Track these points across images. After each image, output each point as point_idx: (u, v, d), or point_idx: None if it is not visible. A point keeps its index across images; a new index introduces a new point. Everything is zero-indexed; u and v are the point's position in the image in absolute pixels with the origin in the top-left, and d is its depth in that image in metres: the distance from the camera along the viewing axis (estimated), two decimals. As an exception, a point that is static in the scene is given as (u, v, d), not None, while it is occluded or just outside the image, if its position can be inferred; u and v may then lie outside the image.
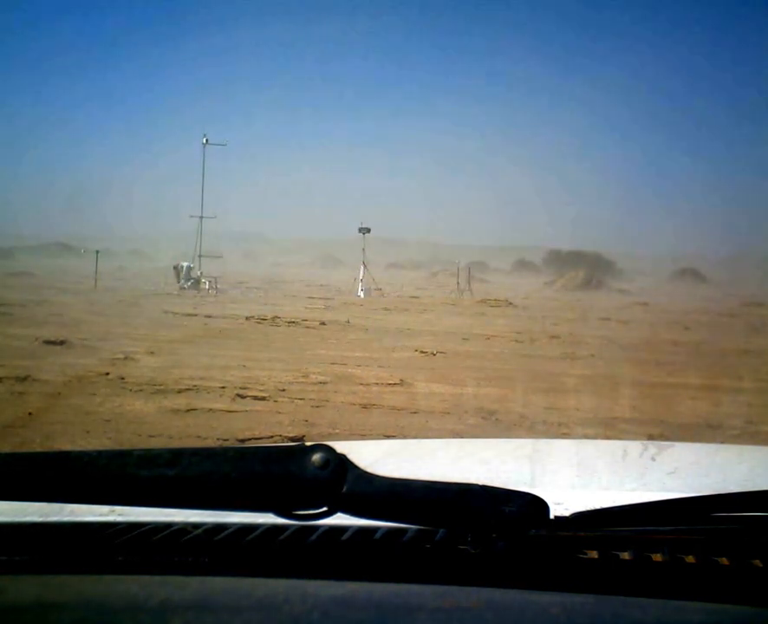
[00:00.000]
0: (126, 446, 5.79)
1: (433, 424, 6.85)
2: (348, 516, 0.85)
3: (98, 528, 1.02)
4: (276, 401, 7.58)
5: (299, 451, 0.82)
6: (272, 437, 6.19)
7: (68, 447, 5.52)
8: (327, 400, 7.68)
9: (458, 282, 31.40)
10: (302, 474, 0.80)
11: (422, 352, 11.44)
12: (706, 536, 0.92)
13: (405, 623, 0.74)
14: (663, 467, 1.56)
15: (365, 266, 29.45)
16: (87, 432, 6.11)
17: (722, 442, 6.27)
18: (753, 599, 0.80)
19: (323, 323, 15.19)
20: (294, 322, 15.10)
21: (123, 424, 6.48)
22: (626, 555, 0.92)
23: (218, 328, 14.17)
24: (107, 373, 8.55)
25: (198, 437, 6.13)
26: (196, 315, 16.45)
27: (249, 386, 8.19)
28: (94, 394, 7.54)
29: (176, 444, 5.89)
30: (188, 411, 7.03)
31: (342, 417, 7.01)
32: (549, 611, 0.73)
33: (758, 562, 0.90)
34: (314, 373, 9.11)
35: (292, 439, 6.04)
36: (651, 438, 6.30)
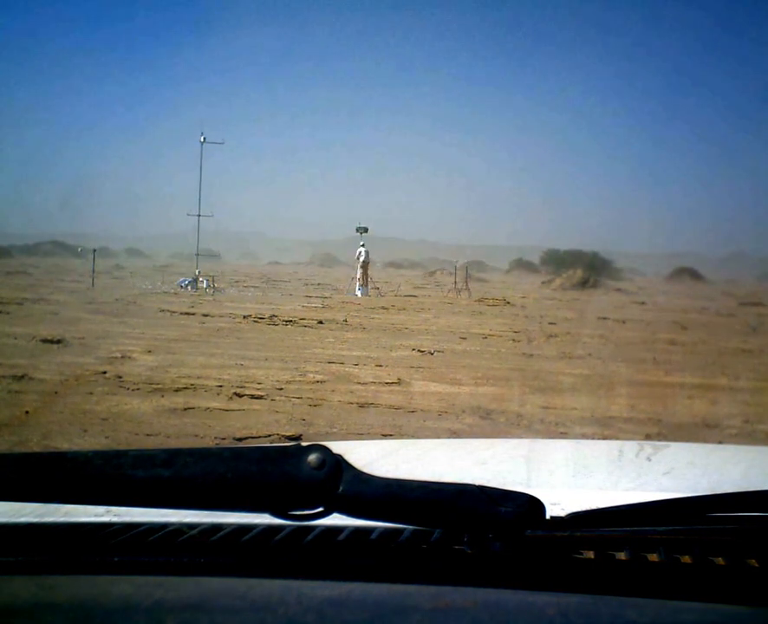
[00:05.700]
0: (123, 445, 5.79)
1: (430, 423, 6.85)
2: (344, 517, 0.85)
3: (93, 529, 1.02)
4: (273, 400, 7.57)
5: (295, 452, 0.82)
6: (269, 436, 6.19)
7: (65, 446, 5.52)
8: (324, 399, 7.68)
9: (455, 282, 31.33)
10: (298, 474, 0.80)
11: (420, 351, 11.44)
12: (702, 537, 0.92)
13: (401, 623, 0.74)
14: (659, 467, 1.56)
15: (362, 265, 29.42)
16: (85, 430, 6.10)
17: (720, 441, 6.28)
18: (749, 599, 0.81)
19: (321, 322, 15.18)
20: (291, 321, 15.09)
21: (120, 423, 6.47)
22: (622, 556, 0.92)
23: (216, 326, 14.15)
24: (105, 372, 8.54)
25: (196, 436, 6.13)
26: (193, 314, 16.42)
27: (246, 385, 8.19)
28: (91, 393, 7.53)
29: (173, 443, 5.88)
30: (185, 410, 7.03)
31: (340, 416, 7.00)
32: (545, 611, 0.73)
33: (753, 562, 0.90)
34: (311, 372, 9.11)
35: (289, 438, 6.04)
36: (648, 437, 6.31)
